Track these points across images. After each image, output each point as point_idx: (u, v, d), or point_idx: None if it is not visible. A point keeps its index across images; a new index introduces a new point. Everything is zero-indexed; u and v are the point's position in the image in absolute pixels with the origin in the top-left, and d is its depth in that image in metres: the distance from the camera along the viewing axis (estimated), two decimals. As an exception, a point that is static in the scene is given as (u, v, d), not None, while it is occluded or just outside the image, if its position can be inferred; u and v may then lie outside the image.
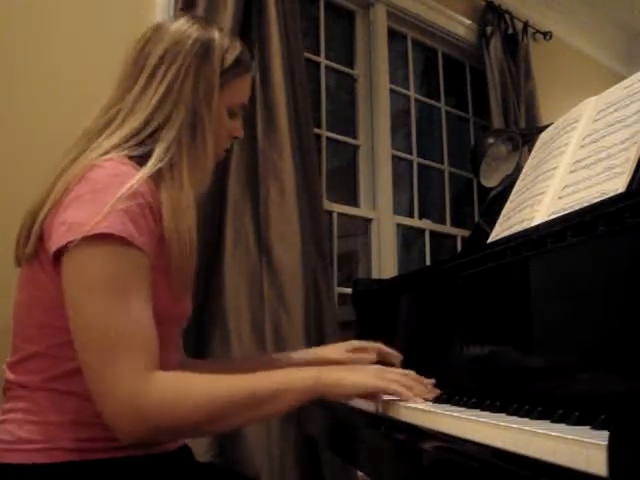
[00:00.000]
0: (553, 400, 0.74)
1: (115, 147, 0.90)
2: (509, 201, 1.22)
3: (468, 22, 2.74)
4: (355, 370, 0.93)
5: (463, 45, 2.79)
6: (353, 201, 2.38)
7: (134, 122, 0.93)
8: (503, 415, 0.73)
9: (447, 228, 2.71)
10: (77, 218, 0.81)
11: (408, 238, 2.67)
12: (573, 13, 3.22)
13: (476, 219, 2.28)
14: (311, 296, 1.79)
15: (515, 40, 2.80)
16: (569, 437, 0.51)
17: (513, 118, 2.63)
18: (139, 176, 0.86)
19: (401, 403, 0.87)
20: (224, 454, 1.57)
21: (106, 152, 0.89)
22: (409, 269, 2.51)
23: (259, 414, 0.86)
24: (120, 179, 0.84)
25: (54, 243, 0.82)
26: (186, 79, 0.95)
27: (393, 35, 2.59)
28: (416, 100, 2.70)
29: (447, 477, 0.66)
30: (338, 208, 2.25)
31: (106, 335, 0.78)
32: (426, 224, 2.61)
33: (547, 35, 3.04)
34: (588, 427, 0.59)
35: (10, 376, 0.91)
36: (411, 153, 2.64)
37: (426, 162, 2.70)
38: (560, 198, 1.00)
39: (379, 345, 1.17)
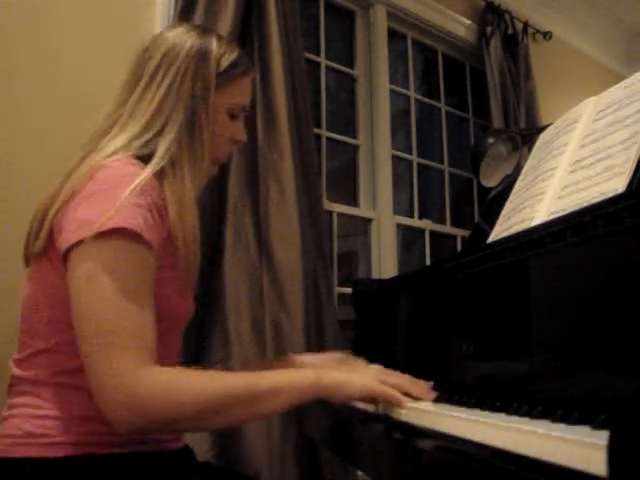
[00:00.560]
0: (553, 400, 0.74)
1: (120, 148, 0.93)
2: (509, 201, 1.22)
3: (468, 22, 2.74)
4: (355, 373, 0.93)
5: (463, 45, 2.79)
6: (353, 201, 2.38)
7: (136, 125, 0.96)
8: (503, 415, 0.73)
9: (447, 228, 2.71)
10: (88, 215, 0.83)
11: (408, 238, 2.67)
12: (573, 13, 3.22)
13: (476, 219, 2.28)
14: (311, 296, 1.79)
15: (515, 40, 2.80)
16: (569, 437, 0.51)
17: (513, 118, 2.63)
18: (144, 174, 0.89)
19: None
20: (224, 454, 1.57)
21: (113, 152, 0.92)
22: (409, 269, 2.51)
23: (257, 411, 0.87)
24: (128, 178, 0.87)
25: (65, 241, 0.84)
26: (184, 81, 0.98)
27: (393, 35, 2.59)
28: (416, 100, 2.70)
29: (447, 477, 0.66)
30: (338, 208, 2.25)
31: (107, 325, 0.79)
32: (426, 224, 2.61)
33: (547, 35, 3.04)
34: (588, 427, 0.59)
35: (17, 372, 0.92)
36: (411, 153, 2.64)
37: (426, 162, 2.70)
38: (560, 198, 1.00)
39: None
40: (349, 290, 1.66)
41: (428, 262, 2.58)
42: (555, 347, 0.81)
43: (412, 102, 2.67)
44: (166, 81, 0.98)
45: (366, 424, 0.95)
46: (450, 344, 1.08)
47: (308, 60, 2.18)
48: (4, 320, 1.04)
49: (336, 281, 2.13)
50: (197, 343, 1.63)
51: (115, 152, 0.92)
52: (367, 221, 2.37)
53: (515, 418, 0.69)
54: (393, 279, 1.61)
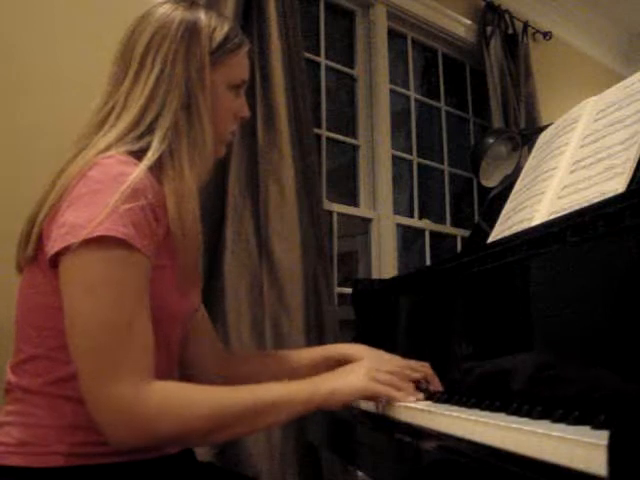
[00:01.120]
0: (553, 400, 0.74)
1: (114, 143, 0.88)
2: (509, 201, 1.22)
3: (468, 22, 2.74)
4: (346, 375, 0.92)
5: (463, 45, 2.78)
6: (353, 201, 2.38)
7: (128, 117, 0.91)
8: (503, 415, 0.73)
9: (447, 228, 2.71)
10: (77, 220, 0.79)
11: (408, 238, 2.67)
12: (573, 13, 3.22)
13: (476, 219, 2.28)
14: (311, 296, 1.78)
15: (515, 40, 2.80)
16: (569, 437, 0.51)
17: (513, 118, 2.63)
18: (137, 172, 0.84)
19: (402, 403, 0.88)
20: (225, 454, 1.57)
21: (106, 148, 0.87)
22: (409, 269, 2.51)
23: (256, 426, 0.87)
24: (120, 178, 0.82)
25: (53, 246, 0.81)
26: (175, 63, 0.93)
27: (393, 35, 2.59)
28: (416, 100, 2.70)
29: (447, 477, 0.66)
30: (338, 208, 2.25)
31: (102, 340, 0.77)
32: (426, 224, 2.60)
33: (547, 35, 3.04)
34: (588, 427, 0.59)
35: (12, 378, 0.90)
36: (411, 153, 2.64)
37: (426, 162, 2.70)
38: (560, 198, 1.00)
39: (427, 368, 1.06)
40: (349, 290, 1.66)
41: (428, 262, 2.58)
42: (555, 347, 0.81)
43: (412, 102, 2.67)
44: (157, 66, 0.92)
45: (366, 424, 0.95)
46: (450, 344, 1.08)
47: (308, 60, 2.18)
48: (2, 323, 1.04)
49: (336, 281, 2.13)
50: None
51: (108, 148, 0.87)
52: (367, 221, 2.37)
53: (515, 418, 0.69)
54: (393, 279, 1.61)
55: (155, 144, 0.89)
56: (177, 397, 0.81)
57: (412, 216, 2.60)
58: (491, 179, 1.87)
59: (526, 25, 2.88)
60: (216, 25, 0.97)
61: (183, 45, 0.93)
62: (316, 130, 2.13)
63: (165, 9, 0.97)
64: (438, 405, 0.86)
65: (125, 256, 0.80)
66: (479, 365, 0.98)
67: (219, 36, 0.97)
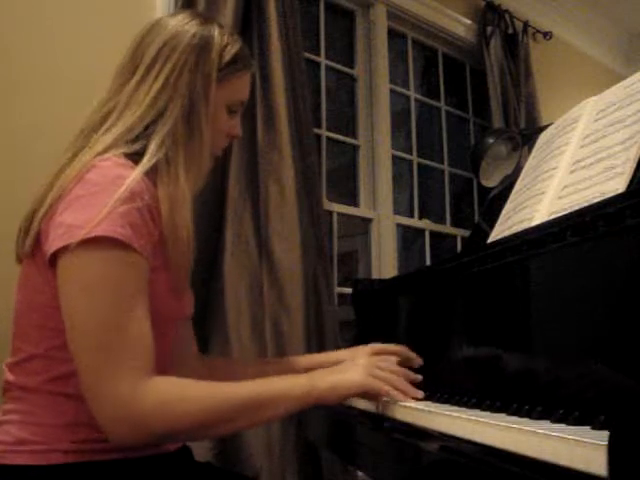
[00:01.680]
0: (553, 400, 0.74)
1: (111, 145, 0.89)
2: (509, 201, 1.22)
3: (468, 22, 2.74)
4: (346, 370, 0.93)
5: (463, 45, 2.78)
6: (353, 201, 2.38)
7: (129, 117, 0.91)
8: (503, 415, 0.73)
9: (447, 228, 2.71)
10: (75, 220, 0.80)
11: (408, 238, 2.67)
12: (573, 13, 3.22)
13: (476, 219, 2.28)
14: (311, 296, 1.78)
15: (515, 40, 2.80)
16: (569, 437, 0.51)
17: (513, 118, 2.63)
18: (134, 175, 0.85)
19: (401, 403, 0.88)
20: (224, 454, 1.57)
21: (104, 150, 0.88)
22: (409, 269, 2.51)
23: (254, 421, 0.87)
24: (117, 181, 0.83)
25: (51, 245, 0.82)
26: (183, 73, 0.94)
27: (393, 35, 2.59)
28: (416, 100, 2.70)
29: (447, 477, 0.66)
30: (338, 208, 2.25)
31: (102, 339, 0.78)
32: (426, 224, 2.61)
33: (547, 35, 3.04)
34: (588, 427, 0.59)
35: (10, 377, 0.90)
36: (411, 153, 2.64)
37: (426, 162, 2.70)
38: (560, 198, 1.00)
39: (403, 348, 1.10)
40: (349, 290, 1.66)
41: (428, 262, 2.58)
42: (555, 347, 0.81)
43: (412, 102, 2.67)
44: (163, 73, 0.93)
45: (365, 424, 0.95)
46: (450, 344, 1.08)
47: (308, 60, 2.18)
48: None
49: (336, 281, 2.13)
50: (197, 342, 1.62)
51: (106, 150, 0.88)
52: (367, 221, 2.37)
53: (515, 418, 0.69)
54: (393, 279, 1.61)
55: (152, 149, 0.90)
56: (175, 393, 0.81)
57: (412, 216, 2.60)
58: (491, 179, 1.87)
59: (526, 25, 2.88)
60: (227, 43, 0.98)
61: (193, 57, 0.95)
62: (316, 130, 2.13)
63: (180, 19, 0.98)
64: (438, 405, 0.86)
65: (123, 256, 0.81)
66: (479, 365, 0.98)
67: (229, 55, 0.98)
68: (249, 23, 1.83)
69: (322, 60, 2.34)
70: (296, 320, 1.71)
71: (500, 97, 2.63)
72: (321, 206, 1.94)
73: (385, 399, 0.92)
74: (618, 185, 0.87)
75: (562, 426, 0.61)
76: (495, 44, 2.69)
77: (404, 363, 1.05)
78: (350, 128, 2.42)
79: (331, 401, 0.90)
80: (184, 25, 0.97)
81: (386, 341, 1.18)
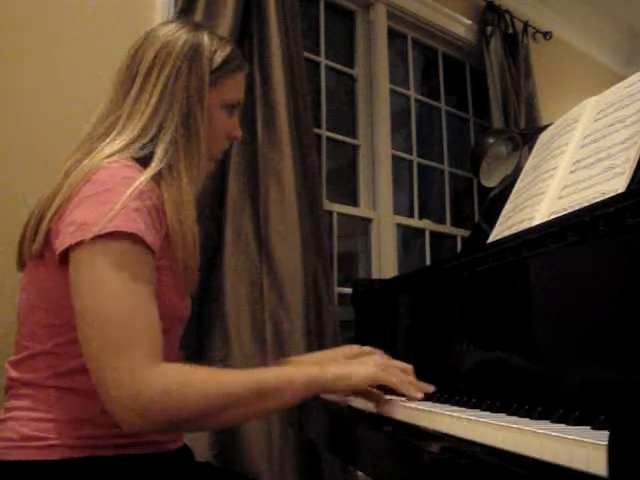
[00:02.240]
0: (553, 400, 0.74)
1: (119, 150, 0.92)
2: (509, 201, 1.22)
3: (468, 22, 2.74)
4: (357, 362, 0.94)
5: (463, 45, 2.78)
6: (353, 201, 2.38)
7: (134, 127, 0.95)
8: (503, 415, 0.73)
9: (447, 228, 2.71)
10: (86, 218, 0.82)
11: (408, 238, 2.67)
12: (573, 13, 3.22)
13: (476, 219, 2.28)
14: (311, 296, 1.78)
15: (515, 40, 2.80)
16: (569, 437, 0.51)
17: (513, 118, 2.63)
18: (144, 177, 0.88)
19: (401, 403, 0.88)
20: (224, 454, 1.57)
21: (111, 154, 0.91)
22: (409, 269, 2.50)
23: (264, 407, 0.86)
24: (126, 181, 0.86)
25: (62, 243, 0.83)
26: (178, 80, 0.98)
27: (393, 35, 2.59)
28: (416, 100, 2.70)
29: (447, 477, 0.66)
30: (338, 208, 2.25)
31: (110, 325, 0.79)
32: (426, 224, 2.61)
33: (547, 35, 3.04)
34: (588, 427, 0.59)
35: (13, 374, 0.91)
36: (411, 153, 2.64)
37: (426, 162, 2.70)
38: (560, 198, 1.00)
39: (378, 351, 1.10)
40: (349, 290, 1.66)
41: (428, 262, 2.58)
42: (555, 347, 0.81)
43: (412, 102, 2.67)
44: (161, 81, 0.97)
45: (365, 424, 0.95)
46: (450, 344, 1.08)
47: (308, 60, 2.18)
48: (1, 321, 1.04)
49: (336, 281, 2.13)
50: (197, 342, 1.63)
51: (113, 154, 0.91)
52: (367, 221, 2.37)
53: (515, 418, 0.69)
54: (393, 279, 1.61)
55: (159, 155, 0.93)
56: (184, 378, 0.81)
57: (412, 216, 2.60)
58: (491, 179, 1.86)
59: (526, 25, 2.88)
60: (217, 47, 1.02)
61: (186, 63, 0.99)
62: (316, 130, 2.13)
63: (170, 28, 1.02)
64: (438, 405, 0.86)
65: (134, 249, 0.83)
66: (479, 365, 0.98)
67: (219, 58, 1.02)
68: (249, 23, 1.83)
69: (322, 60, 2.34)
70: (296, 320, 1.71)
71: (500, 97, 2.63)
72: (321, 206, 1.94)
73: (387, 397, 0.93)
74: (618, 185, 0.87)
75: (562, 426, 0.61)
76: (495, 44, 2.69)
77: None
78: (350, 128, 2.42)
79: (339, 389, 0.90)
80: (174, 33, 1.01)
81: (387, 341, 1.18)
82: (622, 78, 1.05)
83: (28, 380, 0.89)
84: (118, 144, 0.93)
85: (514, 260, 0.92)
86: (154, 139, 0.95)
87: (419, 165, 2.66)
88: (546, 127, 1.29)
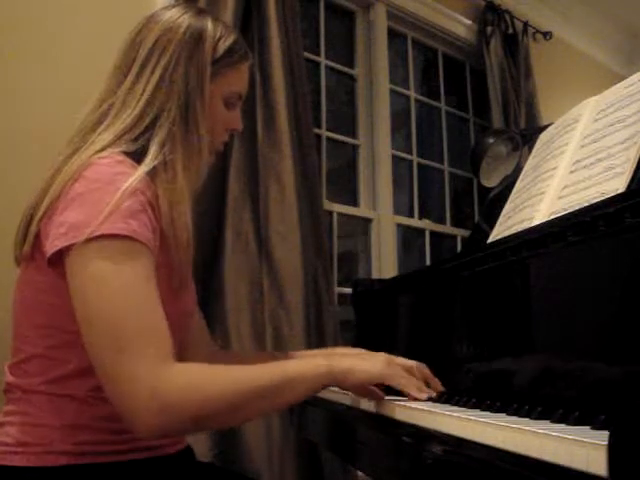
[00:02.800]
0: (553, 400, 0.74)
1: (110, 144, 0.88)
2: (509, 201, 1.22)
3: (468, 22, 2.74)
4: (367, 357, 0.93)
5: (463, 45, 2.78)
6: (353, 201, 2.38)
7: (127, 117, 0.90)
8: (503, 415, 0.73)
9: (447, 228, 2.71)
10: (76, 219, 0.79)
11: (408, 238, 2.67)
12: (573, 13, 3.22)
13: (476, 219, 2.28)
14: (311, 296, 1.78)
15: (515, 40, 2.79)
16: (569, 437, 0.51)
17: (513, 118, 2.63)
18: (137, 174, 0.84)
19: (401, 403, 0.88)
20: (225, 454, 1.57)
21: (102, 149, 0.87)
22: (409, 269, 2.50)
23: (279, 402, 0.86)
24: (118, 177, 0.83)
25: (52, 245, 0.81)
26: (177, 69, 0.92)
27: (393, 35, 2.59)
28: (416, 100, 2.70)
29: (447, 477, 0.66)
30: (338, 208, 2.25)
31: (120, 331, 0.77)
32: (426, 224, 2.60)
33: (547, 35, 3.04)
34: (588, 427, 0.59)
35: (10, 378, 0.90)
36: (411, 153, 2.64)
37: (426, 162, 2.70)
38: (560, 198, 1.00)
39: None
40: (349, 290, 1.66)
41: (428, 262, 2.58)
42: (555, 347, 0.81)
43: (412, 102, 2.67)
44: (159, 69, 0.91)
45: (366, 424, 0.95)
46: (450, 344, 1.08)
47: (308, 60, 2.18)
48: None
49: (336, 281, 2.13)
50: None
51: (104, 148, 0.87)
52: (367, 221, 2.37)
53: (515, 418, 0.69)
54: (393, 279, 1.61)
55: (154, 150, 0.89)
56: (197, 377, 0.80)
57: (412, 216, 2.60)
58: (491, 179, 1.86)
59: (526, 25, 2.88)
60: (221, 35, 0.96)
61: (186, 51, 0.93)
62: (316, 130, 2.13)
63: (173, 13, 0.96)
64: (438, 405, 0.86)
65: (130, 248, 0.80)
66: (479, 365, 0.98)
67: (222, 47, 0.96)
68: (249, 23, 1.83)
69: (322, 60, 2.34)
70: (296, 320, 1.71)
71: (500, 97, 2.63)
72: (321, 206, 1.94)
73: (388, 398, 0.93)
74: (618, 185, 0.87)
75: (562, 426, 0.61)
76: (495, 44, 2.69)
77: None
78: (350, 128, 2.42)
79: (347, 383, 0.89)
80: (177, 19, 0.95)
81: (386, 342, 1.18)
82: (622, 78, 1.05)
83: (24, 385, 0.88)
84: (109, 136, 0.88)
85: (514, 260, 0.92)
86: (148, 130, 0.90)
87: (419, 165, 2.66)
88: (546, 127, 1.29)
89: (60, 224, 0.81)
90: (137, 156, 0.89)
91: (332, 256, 2.15)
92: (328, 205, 2.15)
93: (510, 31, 2.80)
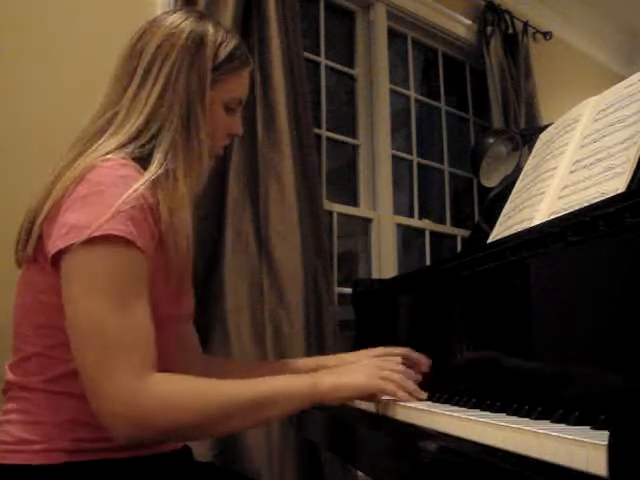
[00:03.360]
0: (553, 400, 0.74)
1: (115, 149, 0.89)
2: (509, 201, 1.22)
3: (468, 22, 2.74)
4: (350, 371, 0.93)
5: (463, 45, 2.78)
6: (353, 201, 2.38)
7: (131, 127, 0.91)
8: (503, 415, 0.73)
9: (447, 228, 2.71)
10: (77, 221, 0.80)
11: (408, 238, 2.67)
12: (573, 13, 3.22)
13: (476, 219, 2.28)
14: (311, 296, 1.78)
15: (515, 40, 2.79)
16: (569, 437, 0.51)
17: (513, 118, 2.63)
18: (144, 180, 0.85)
19: (401, 403, 0.88)
20: (224, 454, 1.57)
21: (106, 154, 0.88)
22: (409, 269, 2.50)
23: (258, 419, 0.87)
24: (121, 180, 0.83)
25: (54, 245, 0.81)
26: (179, 75, 0.92)
27: (393, 35, 2.59)
28: (416, 100, 2.70)
29: (447, 477, 0.66)
30: (338, 208, 2.25)
31: (103, 334, 0.77)
32: (426, 224, 2.60)
33: (547, 35, 3.04)
34: (588, 427, 0.59)
35: (10, 377, 0.91)
36: (411, 153, 2.64)
37: (426, 162, 2.70)
38: (560, 198, 1.00)
39: (407, 350, 1.09)
40: (349, 290, 1.66)
41: (428, 262, 2.58)
42: (555, 347, 0.81)
43: (412, 102, 2.67)
44: (162, 77, 0.92)
45: (365, 424, 0.95)
46: (450, 344, 1.08)
47: (308, 60, 2.18)
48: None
49: (336, 281, 2.13)
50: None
51: (108, 153, 0.88)
52: (367, 221, 2.37)
53: (515, 418, 0.69)
54: (393, 279, 1.61)
55: (159, 158, 0.89)
56: (176, 388, 0.81)
57: (412, 216, 2.60)
58: (491, 179, 1.86)
59: (526, 25, 2.88)
60: (222, 41, 0.97)
61: (188, 57, 0.93)
62: (316, 130, 2.13)
63: (175, 18, 0.96)
64: (439, 405, 0.86)
65: (125, 253, 0.81)
66: (479, 365, 0.98)
67: (223, 53, 0.96)
68: (249, 23, 1.83)
69: (322, 60, 2.34)
70: (296, 320, 1.71)
71: (500, 97, 2.63)
72: (321, 206, 1.94)
73: (385, 398, 0.93)
74: (618, 185, 0.87)
75: (562, 426, 0.61)
76: (495, 44, 2.69)
77: (410, 366, 1.03)
78: (350, 128, 2.42)
79: (333, 402, 0.90)
80: (179, 24, 0.95)
81: (386, 341, 1.18)
82: (622, 78, 1.05)
83: (23, 384, 0.88)
84: (113, 143, 0.89)
85: (514, 260, 0.92)
86: (153, 140, 0.91)
87: (419, 165, 2.66)
88: (546, 127, 1.29)
89: (62, 225, 0.82)
90: (141, 161, 0.89)
91: (332, 256, 2.15)
92: (328, 205, 2.15)
93: (510, 31, 2.80)
